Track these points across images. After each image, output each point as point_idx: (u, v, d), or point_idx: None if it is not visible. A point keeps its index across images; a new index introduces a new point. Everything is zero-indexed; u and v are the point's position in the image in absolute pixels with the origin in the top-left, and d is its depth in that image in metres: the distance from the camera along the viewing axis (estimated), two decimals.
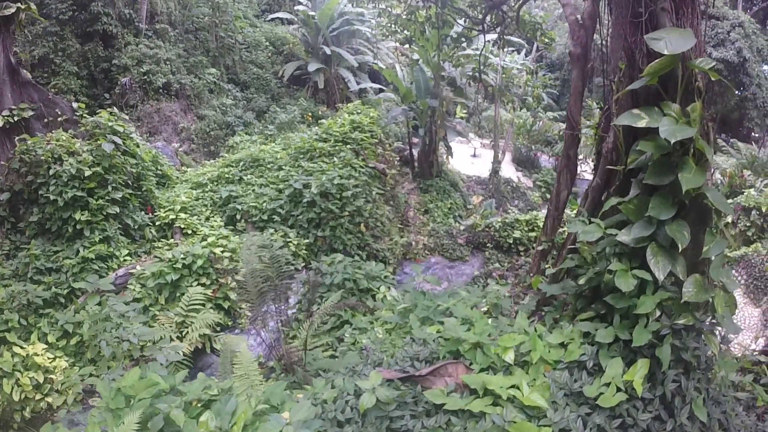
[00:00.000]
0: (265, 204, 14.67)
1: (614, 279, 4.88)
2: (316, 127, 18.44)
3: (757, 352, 7.00)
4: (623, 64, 5.81)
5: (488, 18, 16.35)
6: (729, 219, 18.53)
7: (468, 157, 32.00)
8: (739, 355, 7.24)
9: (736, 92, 36.43)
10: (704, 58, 5.14)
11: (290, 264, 13.12)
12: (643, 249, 4.88)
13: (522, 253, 18.21)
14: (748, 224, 18.74)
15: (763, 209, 18.51)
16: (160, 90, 23.85)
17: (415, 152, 24.87)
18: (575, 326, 5.26)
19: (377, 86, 29.38)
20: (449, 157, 26.00)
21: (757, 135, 40.90)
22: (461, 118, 32.94)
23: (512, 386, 4.51)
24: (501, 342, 5.05)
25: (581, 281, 5.63)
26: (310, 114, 27.33)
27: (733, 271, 16.33)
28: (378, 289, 11.06)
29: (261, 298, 7.75)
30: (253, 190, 15.32)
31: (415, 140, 25.46)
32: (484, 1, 15.76)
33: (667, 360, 4.42)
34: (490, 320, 6.14)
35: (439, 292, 7.65)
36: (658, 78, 5.04)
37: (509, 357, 4.91)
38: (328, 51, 28.84)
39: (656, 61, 4.88)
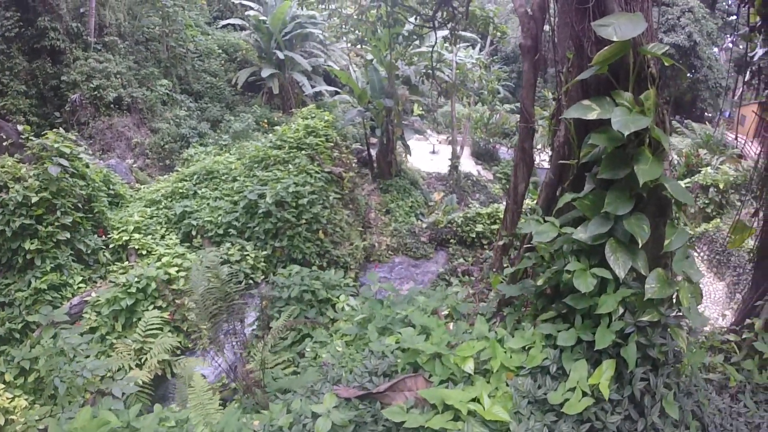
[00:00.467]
0: (220, 218, 14.33)
1: (573, 279, 4.73)
2: (271, 135, 18.19)
3: (725, 330, 6.95)
4: (571, 53, 5.64)
5: (439, 14, 16.30)
6: None
7: (427, 154, 32.13)
8: (707, 329, 7.22)
9: (689, 75, 37.40)
10: (656, 43, 4.95)
11: (249, 278, 12.97)
12: (602, 246, 4.72)
13: (486, 247, 18.28)
14: (707, 201, 19.21)
15: (721, 186, 18.95)
16: (112, 105, 23.39)
17: (373, 153, 24.78)
18: (537, 328, 5.11)
19: (332, 89, 29.24)
20: (408, 155, 26.00)
21: (710, 115, 42.13)
22: (419, 115, 32.99)
23: (473, 399, 4.34)
24: (459, 351, 4.88)
25: (539, 282, 5.49)
26: (265, 120, 27.08)
27: (695, 247, 16.69)
28: (338, 298, 10.84)
29: (214, 319, 7.52)
30: (208, 204, 14.97)
31: (373, 140, 25.38)
32: None
33: (633, 360, 4.28)
34: (452, 325, 5.99)
35: (399, 298, 7.47)
36: (609, 66, 4.81)
37: (469, 367, 4.74)
38: (281, 55, 28.64)
39: (606, 48, 4.66)
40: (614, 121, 4.47)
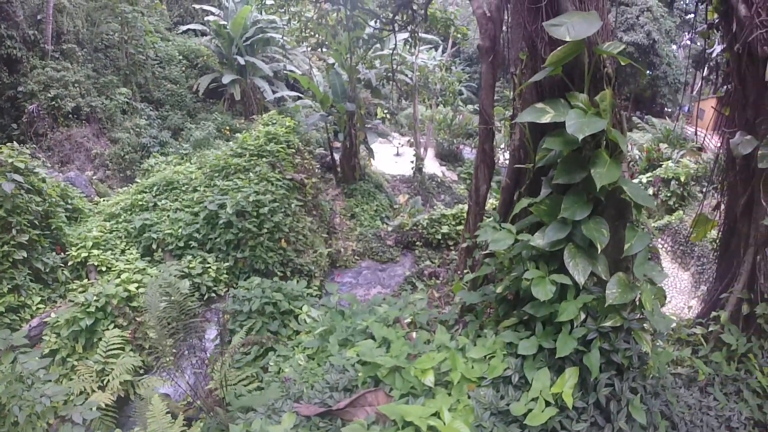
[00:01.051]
0: (180, 230, 14.00)
1: (531, 287, 4.65)
2: (231, 142, 17.94)
3: (691, 322, 6.97)
4: (524, 54, 5.58)
5: (399, 17, 16.21)
6: (650, 191, 19.23)
7: (391, 157, 32.13)
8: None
9: (648, 72, 38.20)
10: (612, 42, 4.88)
11: (212, 291, 12.75)
12: (560, 251, 4.64)
13: (452, 248, 18.32)
14: (668, 194, 19.58)
15: (682, 179, 19.34)
16: (70, 115, 22.74)
17: (337, 157, 24.66)
18: (498, 336, 5.03)
19: (295, 94, 28.99)
20: (371, 158, 25.91)
21: (669, 110, 43.21)
22: (382, 118, 32.92)
23: (434, 414, 4.24)
24: (419, 364, 4.77)
25: (499, 289, 5.42)
26: (227, 127, 26.76)
27: (659, 239, 17.00)
28: (300, 309, 10.67)
29: (175, 337, 7.34)
30: (168, 216, 14.60)
31: (337, 145, 25.27)
32: (392, 0, 15.62)
33: (596, 367, 4.22)
34: (414, 334, 5.90)
35: (360, 307, 7.36)
36: (563, 67, 4.73)
37: (429, 380, 4.62)
38: (242, 61, 28.36)
39: (559, 48, 4.57)
40: (569, 125, 4.39)
